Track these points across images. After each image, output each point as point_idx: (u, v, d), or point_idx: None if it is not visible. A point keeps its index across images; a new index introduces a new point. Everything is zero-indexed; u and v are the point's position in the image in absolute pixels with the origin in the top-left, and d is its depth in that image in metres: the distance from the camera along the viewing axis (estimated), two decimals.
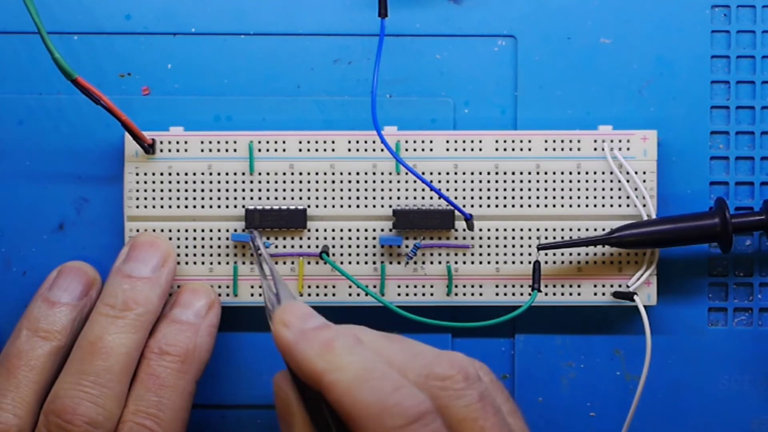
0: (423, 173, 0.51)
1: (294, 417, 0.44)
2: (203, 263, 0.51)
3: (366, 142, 0.51)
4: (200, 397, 0.50)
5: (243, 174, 0.51)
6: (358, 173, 0.51)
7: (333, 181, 0.51)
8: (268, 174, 0.51)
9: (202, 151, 0.51)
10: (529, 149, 0.51)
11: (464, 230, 0.51)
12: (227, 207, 0.51)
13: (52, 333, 0.48)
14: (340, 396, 0.42)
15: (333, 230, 0.51)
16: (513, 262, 0.51)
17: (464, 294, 0.51)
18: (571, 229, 0.51)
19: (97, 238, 0.52)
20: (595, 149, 0.51)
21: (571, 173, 0.51)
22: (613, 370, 0.53)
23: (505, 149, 0.51)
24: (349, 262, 0.51)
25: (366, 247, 0.51)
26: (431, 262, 0.51)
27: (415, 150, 0.51)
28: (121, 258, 0.50)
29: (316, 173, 0.51)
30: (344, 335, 0.44)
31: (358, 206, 0.51)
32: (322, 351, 0.43)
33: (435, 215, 0.51)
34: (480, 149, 0.51)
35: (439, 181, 0.51)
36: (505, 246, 0.51)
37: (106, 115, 0.49)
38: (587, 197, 0.51)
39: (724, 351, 0.53)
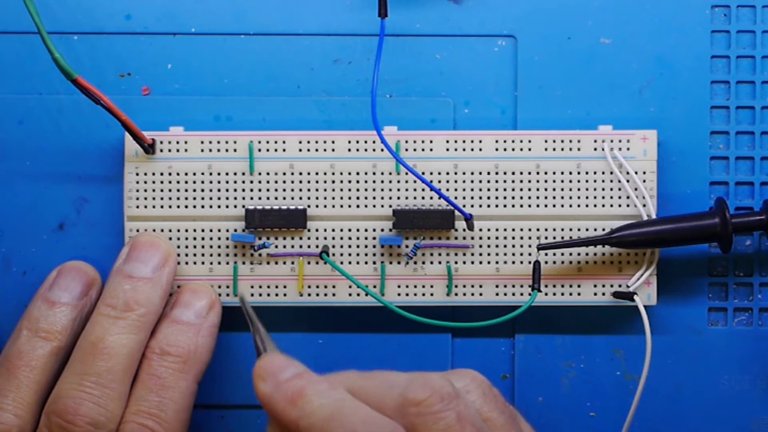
0: (423, 173, 0.51)
1: None
2: (203, 263, 0.51)
3: (366, 142, 0.51)
4: (200, 397, 0.50)
5: (243, 174, 0.51)
6: (358, 173, 0.51)
7: (333, 181, 0.51)
8: (268, 174, 0.51)
9: (202, 151, 0.51)
10: (529, 149, 0.51)
11: (464, 230, 0.51)
12: (227, 207, 0.51)
13: (53, 333, 0.48)
14: None
15: (333, 230, 0.51)
16: (513, 262, 0.51)
17: (464, 294, 0.51)
18: (571, 229, 0.51)
19: (97, 238, 0.52)
20: (595, 149, 0.51)
21: (571, 173, 0.51)
22: (613, 370, 0.53)
23: (505, 149, 0.51)
24: (349, 262, 0.51)
25: (366, 247, 0.51)
26: (431, 262, 0.51)
27: (415, 150, 0.51)
28: (121, 258, 0.50)
29: (316, 173, 0.51)
30: (316, 382, 0.44)
31: (358, 206, 0.51)
32: (295, 398, 0.43)
33: (435, 215, 0.51)
34: (480, 149, 0.51)
35: (439, 181, 0.51)
36: (505, 246, 0.51)
37: (106, 115, 0.49)
38: (587, 197, 0.51)
39: (724, 351, 0.53)
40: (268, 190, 0.51)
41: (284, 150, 0.51)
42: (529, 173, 0.51)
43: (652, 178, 0.51)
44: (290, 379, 0.44)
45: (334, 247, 0.51)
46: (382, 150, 0.51)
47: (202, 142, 0.51)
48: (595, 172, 0.51)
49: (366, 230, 0.51)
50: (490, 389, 0.45)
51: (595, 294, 0.51)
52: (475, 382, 0.45)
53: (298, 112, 0.52)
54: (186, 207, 0.51)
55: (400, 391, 0.43)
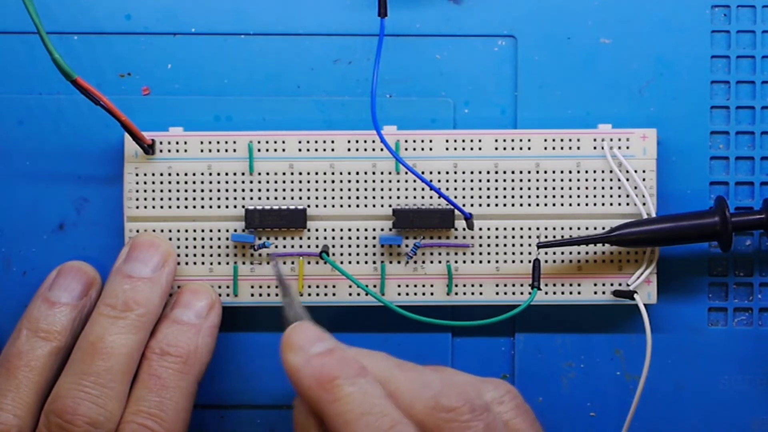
0: (423, 172, 0.51)
1: None
2: (203, 263, 0.51)
3: (366, 141, 0.51)
4: (200, 397, 0.50)
5: (243, 174, 0.51)
6: (357, 173, 0.51)
7: (333, 181, 0.51)
8: (267, 174, 0.51)
9: (202, 151, 0.51)
10: (529, 148, 0.51)
11: (464, 229, 0.51)
12: (227, 207, 0.51)
13: (52, 333, 0.48)
14: (338, 428, 0.43)
15: (333, 230, 0.51)
16: (513, 261, 0.51)
17: (464, 293, 0.51)
18: (570, 228, 0.51)
19: (97, 238, 0.52)
20: (595, 148, 0.51)
21: (570, 172, 0.51)
22: (613, 370, 0.53)
23: (504, 148, 0.51)
24: (349, 262, 0.51)
25: (366, 246, 0.51)
26: (431, 262, 0.51)
27: (414, 149, 0.51)
28: (121, 258, 0.50)
29: (316, 173, 0.51)
30: (348, 365, 0.44)
31: (358, 206, 0.51)
32: (324, 380, 0.44)
33: (435, 214, 0.51)
34: (480, 148, 0.51)
35: (439, 181, 0.51)
36: (505, 245, 0.51)
37: (106, 116, 0.49)
38: (587, 196, 0.51)
39: (724, 351, 0.53)
40: (267, 190, 0.51)
41: (284, 150, 0.51)
42: (529, 172, 0.51)
43: (651, 177, 0.51)
44: (321, 354, 0.44)
45: (334, 246, 0.51)
46: (381, 150, 0.51)
47: (201, 143, 0.51)
48: (594, 171, 0.51)
49: (366, 230, 0.51)
50: (524, 404, 0.47)
51: (595, 293, 0.51)
52: (510, 394, 0.46)
53: (298, 112, 0.52)
54: (186, 207, 0.51)
55: (433, 394, 0.44)
